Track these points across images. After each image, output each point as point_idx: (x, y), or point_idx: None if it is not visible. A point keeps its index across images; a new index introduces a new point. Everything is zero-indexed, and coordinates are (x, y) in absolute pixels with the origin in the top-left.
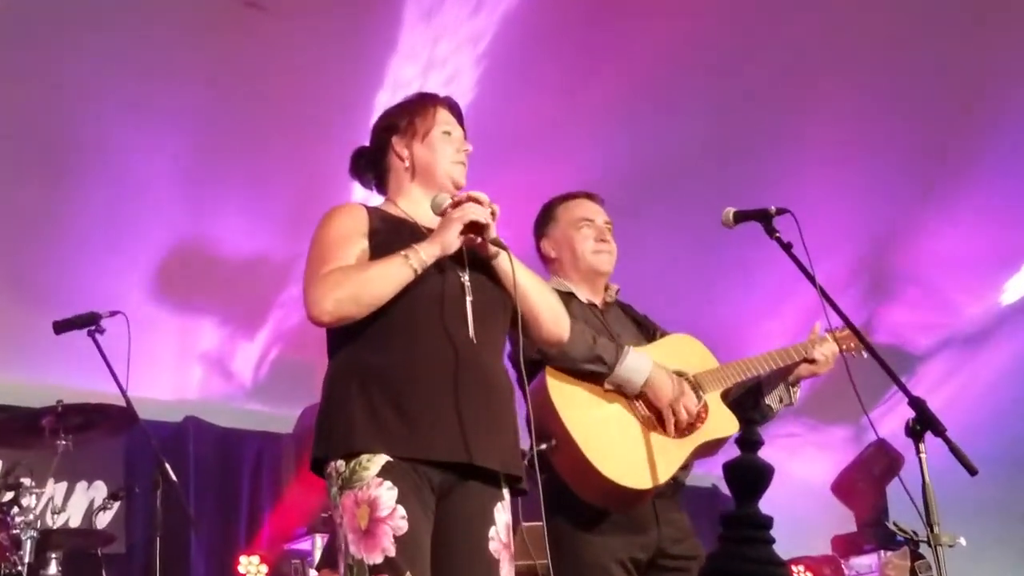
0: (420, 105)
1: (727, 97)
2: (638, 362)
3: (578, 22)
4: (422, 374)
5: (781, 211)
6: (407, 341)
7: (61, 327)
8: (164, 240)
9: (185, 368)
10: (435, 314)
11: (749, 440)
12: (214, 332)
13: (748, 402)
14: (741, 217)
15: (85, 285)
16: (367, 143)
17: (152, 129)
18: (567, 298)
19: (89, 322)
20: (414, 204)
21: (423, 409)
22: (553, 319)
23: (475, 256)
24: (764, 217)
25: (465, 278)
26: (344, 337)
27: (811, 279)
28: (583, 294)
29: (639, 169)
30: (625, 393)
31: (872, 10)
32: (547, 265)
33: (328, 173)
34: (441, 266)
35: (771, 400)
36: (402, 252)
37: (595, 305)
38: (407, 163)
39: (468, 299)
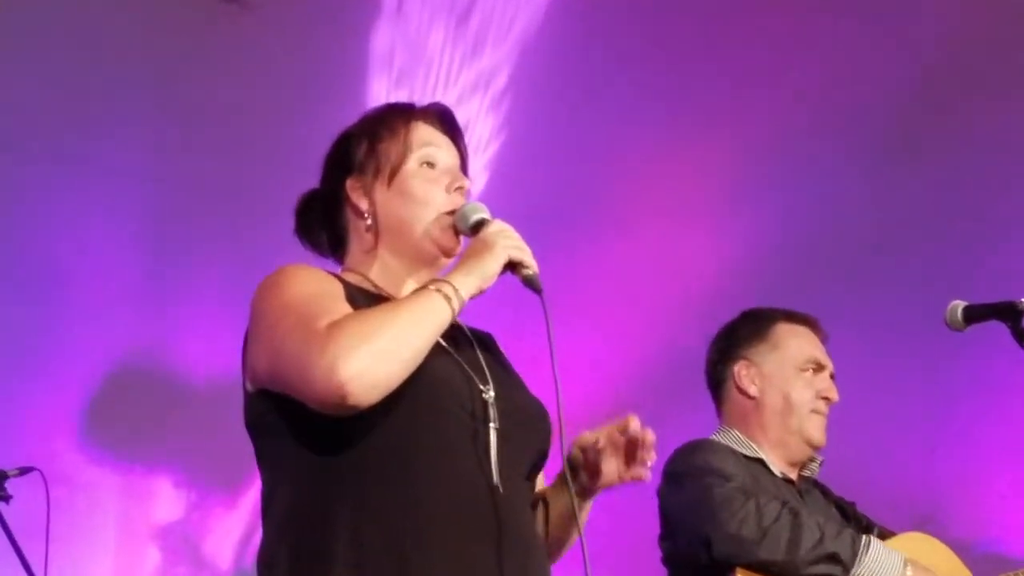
0: (386, 125)
1: (950, 141)
2: (885, 557)
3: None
4: (434, 532)
5: None
6: (415, 483)
7: None
8: (99, 360)
9: (133, 549)
10: (448, 443)
11: None
12: (175, 496)
13: None
14: (976, 315)
15: None
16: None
17: (85, 194)
18: (754, 465)
19: None
20: (390, 277)
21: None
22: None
23: (485, 346)
24: (1010, 314)
25: (489, 393)
26: (299, 467)
27: None
28: (776, 463)
29: (808, 242)
30: None
31: None
32: (727, 401)
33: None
34: (454, 364)
35: None
36: (431, 286)
37: (791, 482)
38: (368, 219)
39: (492, 425)
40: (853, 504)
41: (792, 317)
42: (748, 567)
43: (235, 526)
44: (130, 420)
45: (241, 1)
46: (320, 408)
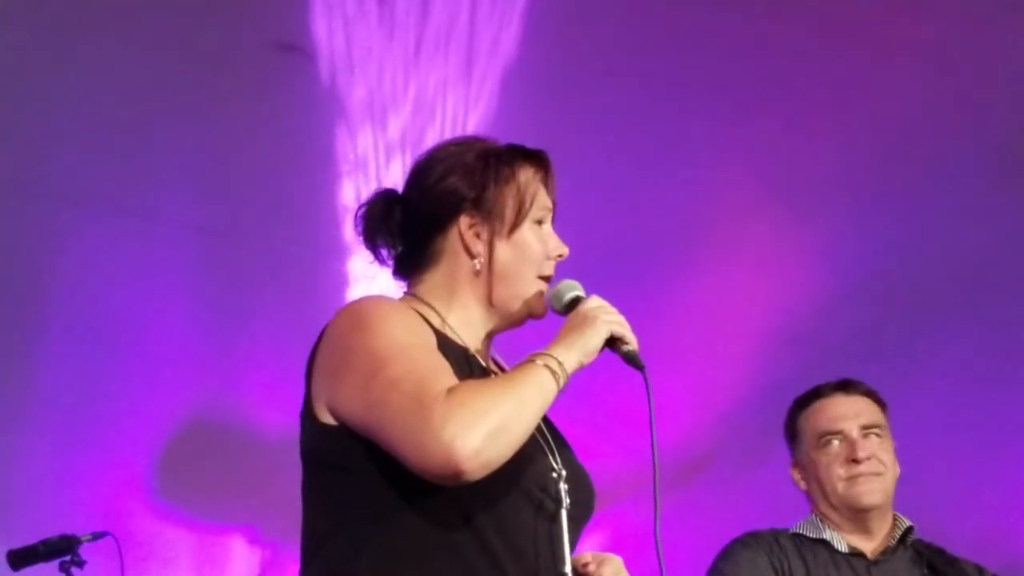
0: (523, 173)
1: None
2: None
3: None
4: None
5: None
6: (497, 567)
7: (19, 559)
8: (166, 419)
9: None
10: (531, 527)
11: None
12: (250, 554)
13: None
14: None
15: (55, 494)
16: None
17: (147, 249)
18: (813, 547)
19: (62, 550)
20: (469, 324)
21: None
22: None
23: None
24: None
25: (562, 472)
26: (374, 511)
27: None
28: (845, 540)
29: (898, 277)
30: None
31: None
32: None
33: None
34: (534, 438)
35: None
36: (538, 360)
37: (862, 555)
38: (478, 266)
39: (564, 508)
40: (958, 559)
41: (805, 400)
42: None
43: None
44: (201, 479)
45: (303, 50)
46: (421, 474)
